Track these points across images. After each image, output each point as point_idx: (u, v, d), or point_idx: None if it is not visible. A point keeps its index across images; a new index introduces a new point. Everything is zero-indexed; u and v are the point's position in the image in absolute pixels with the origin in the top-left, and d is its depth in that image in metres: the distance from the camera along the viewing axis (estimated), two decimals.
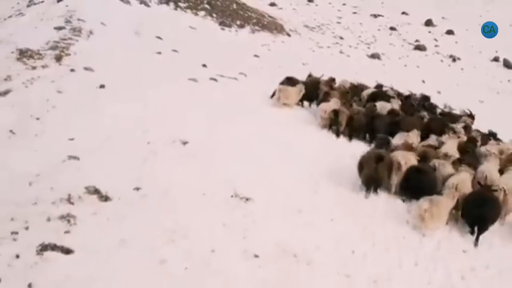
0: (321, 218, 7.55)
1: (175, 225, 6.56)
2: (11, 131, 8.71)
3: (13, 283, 5.31)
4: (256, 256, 6.23)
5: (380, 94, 14.20)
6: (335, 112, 11.85)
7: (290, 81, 13.62)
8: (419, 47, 30.90)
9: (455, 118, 13.48)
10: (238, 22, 26.51)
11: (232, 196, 7.52)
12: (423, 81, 23.55)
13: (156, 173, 7.78)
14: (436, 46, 31.89)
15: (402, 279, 6.44)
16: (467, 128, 12.57)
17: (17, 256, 5.69)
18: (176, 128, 9.56)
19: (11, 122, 8.98)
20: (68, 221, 6.38)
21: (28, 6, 21.74)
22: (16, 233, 6.07)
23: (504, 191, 8.53)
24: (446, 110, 15.34)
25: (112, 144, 8.51)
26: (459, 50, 31.26)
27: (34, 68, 11.56)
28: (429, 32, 34.67)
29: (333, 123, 11.82)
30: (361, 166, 8.92)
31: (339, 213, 7.86)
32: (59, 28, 14.84)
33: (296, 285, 5.86)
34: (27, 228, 6.15)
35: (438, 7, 40.68)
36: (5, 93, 10.12)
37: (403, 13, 39.09)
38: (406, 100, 14.27)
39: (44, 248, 5.83)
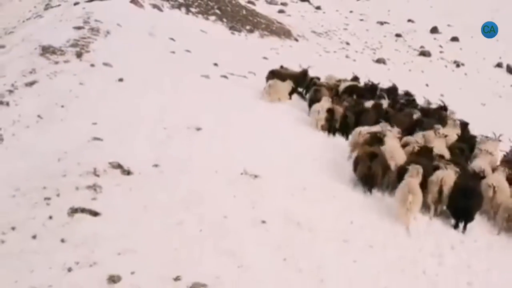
0: (323, 195, 8.22)
1: (190, 195, 7.25)
2: (39, 116, 9.47)
3: (47, 239, 6.02)
4: (264, 222, 6.91)
5: (355, 87, 14.33)
6: (330, 111, 11.88)
7: (277, 76, 14.11)
8: (424, 53, 31.55)
9: (442, 117, 13.48)
10: (247, 27, 27.33)
11: (242, 174, 8.22)
12: (427, 85, 24.18)
13: (173, 153, 8.49)
14: (441, 52, 32.52)
15: (396, 246, 7.09)
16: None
17: (50, 217, 6.41)
18: (190, 116, 10.28)
19: (38, 109, 9.74)
20: (95, 190, 7.10)
21: (45, 9, 22.63)
22: (49, 198, 6.79)
23: (494, 188, 8.78)
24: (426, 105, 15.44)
25: (132, 129, 9.24)
26: (464, 56, 31.88)
27: (56, 63, 12.35)
28: (434, 39, 35.33)
29: (329, 123, 11.82)
30: (356, 163, 9.08)
31: (340, 191, 8.52)
32: (78, 28, 15.66)
33: (299, 246, 6.52)
34: (58, 195, 6.87)
35: (443, 15, 41.35)
36: (31, 83, 10.91)
37: (409, 20, 39.78)
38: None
39: (74, 211, 6.54)
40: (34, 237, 6.03)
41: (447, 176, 8.48)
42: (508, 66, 29.21)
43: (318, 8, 42.92)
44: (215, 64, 16.11)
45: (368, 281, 6.17)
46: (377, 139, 9.71)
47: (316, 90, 13.26)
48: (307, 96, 13.94)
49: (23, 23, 21.09)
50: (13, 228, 6.15)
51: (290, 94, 14.00)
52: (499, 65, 29.96)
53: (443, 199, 8.41)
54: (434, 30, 36.08)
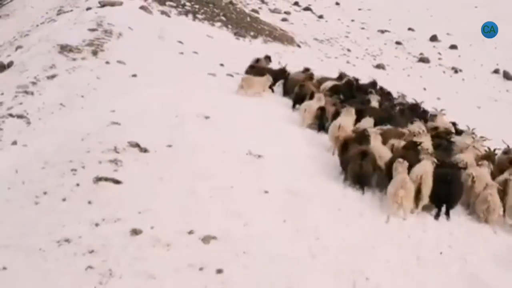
0: (321, 175, 9.05)
1: (201, 170, 8.10)
2: (61, 104, 10.38)
3: (76, 201, 6.88)
4: (266, 192, 7.76)
5: (339, 86, 14.41)
6: (322, 109, 11.84)
7: (256, 70, 14.74)
8: (423, 60, 32.42)
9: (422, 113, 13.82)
10: (251, 33, 28.27)
11: (247, 154, 9.07)
12: (424, 89, 25.03)
13: (184, 136, 9.35)
14: (439, 59, 33.39)
15: (384, 214, 7.90)
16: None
17: (77, 185, 7.28)
18: (199, 107, 11.15)
19: (60, 98, 10.67)
20: (116, 163, 7.96)
21: (58, 14, 23.59)
22: (75, 170, 7.67)
23: (473, 177, 8.87)
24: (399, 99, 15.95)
25: (146, 116, 10.12)
26: (462, 63, 32.73)
27: (74, 59, 13.29)
28: (434, 46, 36.22)
29: (319, 121, 11.76)
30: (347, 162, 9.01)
31: (337, 173, 9.33)
32: (92, 30, 16.61)
33: (297, 211, 7.35)
34: (83, 167, 7.74)
35: (443, 24, 42.26)
36: (52, 76, 11.85)
37: (409, 29, 40.68)
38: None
39: (98, 179, 7.40)
40: (64, 199, 6.89)
41: (426, 173, 8.35)
42: (504, 72, 30.05)
43: (320, 17, 43.90)
44: (221, 65, 17.01)
45: (358, 240, 6.98)
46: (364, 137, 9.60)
47: (302, 86, 13.54)
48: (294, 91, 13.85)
49: (37, 27, 22.06)
50: (45, 193, 7.01)
51: (271, 87, 14.34)
52: (496, 71, 30.80)
53: (423, 197, 8.29)
54: (433, 38, 36.99)
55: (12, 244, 5.95)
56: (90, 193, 7.06)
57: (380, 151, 9.29)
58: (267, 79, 13.93)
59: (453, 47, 35.99)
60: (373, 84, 15.29)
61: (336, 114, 11.51)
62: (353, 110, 11.13)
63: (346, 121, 10.66)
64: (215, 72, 15.27)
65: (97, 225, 6.36)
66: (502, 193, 8.81)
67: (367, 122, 10.85)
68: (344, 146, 9.32)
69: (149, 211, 6.71)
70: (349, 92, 13.97)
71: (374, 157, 8.91)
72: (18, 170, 7.67)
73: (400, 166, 8.26)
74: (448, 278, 6.65)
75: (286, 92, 14.68)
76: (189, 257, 5.88)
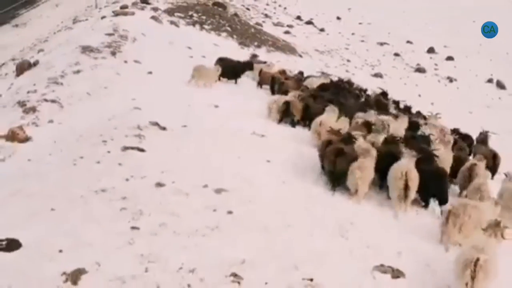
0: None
1: (213, 145, 9.47)
2: (87, 93, 11.74)
3: (108, 164, 8.17)
4: (268, 161, 9.08)
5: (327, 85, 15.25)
6: (287, 104, 12.21)
7: (224, 62, 15.87)
8: (420, 70, 33.78)
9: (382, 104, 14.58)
10: (255, 43, 29.74)
11: (251, 133, 10.40)
12: (419, 95, 26.35)
13: (197, 119, 10.70)
14: (435, 69, 34.73)
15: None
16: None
17: (108, 152, 8.59)
18: (209, 98, 12.51)
19: (86, 88, 12.03)
20: (139, 137, 9.28)
21: (74, 22, 25.12)
22: (105, 141, 8.99)
23: None
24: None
25: (163, 103, 11.48)
26: (457, 73, 34.06)
27: (96, 58, 14.68)
28: (431, 58, 37.59)
29: (285, 115, 12.17)
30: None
31: None
32: (109, 35, 18.04)
33: (295, 176, 8.65)
34: (112, 139, 9.06)
35: (441, 37, 43.67)
36: (78, 71, 13.24)
37: (408, 41, 42.09)
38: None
39: (126, 148, 8.72)
40: (98, 162, 8.20)
41: (409, 170, 8.30)
42: (498, 82, 31.36)
43: (322, 30, 45.41)
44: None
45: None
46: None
47: (282, 83, 14.53)
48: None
49: (55, 34, 23.57)
50: (81, 157, 8.33)
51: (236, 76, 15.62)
52: (490, 80, 32.11)
53: (410, 194, 8.28)
54: (431, 50, 38.43)
55: (57, 194, 7.22)
56: (119, 158, 8.37)
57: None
58: (217, 69, 14.80)
59: (450, 58, 37.37)
60: (350, 83, 16.45)
61: (306, 109, 12.20)
62: (336, 109, 11.60)
63: (328, 117, 11.04)
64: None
65: (127, 180, 7.65)
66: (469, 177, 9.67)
67: (343, 122, 11.25)
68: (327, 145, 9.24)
69: (170, 171, 8.01)
70: (336, 90, 14.91)
71: (350, 156, 8.68)
72: (56, 141, 9.00)
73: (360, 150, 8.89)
74: None
75: (260, 84, 16.34)
76: (204, 202, 7.17)
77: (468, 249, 5.64)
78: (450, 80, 32.70)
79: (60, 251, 5.90)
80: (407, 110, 16.17)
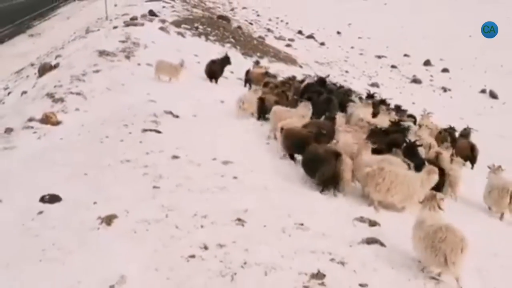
0: None
1: (219, 130, 10.75)
2: (107, 88, 13.09)
3: (130, 141, 9.51)
4: (268, 143, 10.37)
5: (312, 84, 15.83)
6: (262, 100, 12.50)
7: (214, 62, 17.03)
8: (415, 81, 35.14)
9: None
10: (258, 54, 31.18)
11: (253, 124, 11.72)
12: (413, 103, 27.62)
13: (205, 111, 12.07)
14: (431, 80, 36.09)
15: None
16: None
17: (130, 133, 9.93)
18: (215, 95, 13.86)
19: (106, 85, 13.38)
20: (156, 122, 10.63)
21: (86, 33, 26.59)
22: (127, 125, 10.33)
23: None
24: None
25: (175, 97, 12.82)
26: (451, 84, 35.41)
27: (112, 61, 16.07)
28: (426, 70, 38.98)
29: (260, 111, 12.44)
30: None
31: None
32: (123, 42, 19.48)
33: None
34: (132, 124, 10.39)
35: (438, 51, 45.06)
36: (97, 71, 14.61)
37: (405, 55, 43.51)
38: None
39: (145, 130, 10.07)
40: (121, 140, 9.53)
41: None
42: (490, 92, 32.65)
43: (322, 44, 46.87)
44: (231, 72, 19.77)
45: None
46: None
47: (266, 83, 15.07)
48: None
49: (69, 43, 25.02)
50: (106, 137, 9.66)
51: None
52: (483, 91, 33.40)
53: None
54: (427, 62, 39.83)
55: (88, 163, 8.54)
56: (140, 137, 9.71)
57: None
58: (180, 64, 15.49)
59: (445, 70, 38.75)
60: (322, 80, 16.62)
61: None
62: (309, 104, 11.87)
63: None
64: (227, 76, 18.04)
65: (147, 153, 8.97)
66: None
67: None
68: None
69: (183, 147, 9.33)
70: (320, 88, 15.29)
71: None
72: (83, 125, 10.34)
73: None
74: None
75: (247, 82, 17.08)
76: (214, 170, 8.48)
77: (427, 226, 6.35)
78: (445, 90, 34.03)
79: (95, 203, 7.20)
80: (397, 109, 17.40)
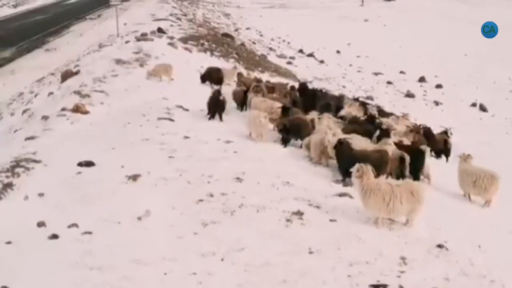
0: None
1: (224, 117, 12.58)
2: (125, 89, 15.00)
3: (148, 127, 11.37)
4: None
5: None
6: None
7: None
8: (409, 95, 36.91)
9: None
10: (259, 69, 33.18)
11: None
12: (406, 113, 29.46)
13: None
14: (424, 95, 37.90)
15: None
16: None
17: (148, 120, 11.79)
18: None
19: (124, 86, 15.30)
20: (169, 113, 12.50)
21: (100, 47, 28.65)
22: (145, 115, 12.20)
23: None
24: None
25: (184, 97, 14.65)
26: (444, 98, 37.21)
27: (127, 68, 18.05)
28: (421, 86, 40.79)
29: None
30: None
31: None
32: (136, 53, 21.47)
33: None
34: (149, 114, 12.25)
35: (433, 68, 46.92)
36: (115, 75, 16.56)
37: (401, 72, 45.34)
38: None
39: (160, 118, 11.94)
40: (141, 125, 11.42)
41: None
42: (480, 105, 34.37)
43: (321, 61, 48.86)
44: (235, 81, 21.72)
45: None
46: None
47: (256, 86, 15.84)
48: None
49: (84, 56, 27.06)
50: (128, 123, 11.53)
51: None
52: (473, 104, 35.05)
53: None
54: (421, 79, 41.58)
55: (114, 141, 10.39)
56: (156, 123, 11.58)
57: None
58: (170, 66, 17.51)
59: (439, 86, 40.52)
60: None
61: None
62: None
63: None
64: (231, 83, 19.96)
65: (163, 134, 10.82)
66: None
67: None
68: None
69: (193, 131, 11.19)
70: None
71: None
72: (108, 114, 12.22)
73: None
74: None
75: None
76: (218, 147, 10.35)
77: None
78: (436, 103, 35.75)
79: (122, 166, 9.03)
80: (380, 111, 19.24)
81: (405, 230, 7.71)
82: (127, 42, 26.80)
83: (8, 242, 6.73)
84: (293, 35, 59.42)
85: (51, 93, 15.94)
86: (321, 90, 18.61)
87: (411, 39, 61.69)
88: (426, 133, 14.86)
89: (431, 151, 14.55)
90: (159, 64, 17.82)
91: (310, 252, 6.63)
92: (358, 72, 45.72)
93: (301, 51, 54.99)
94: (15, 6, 55.73)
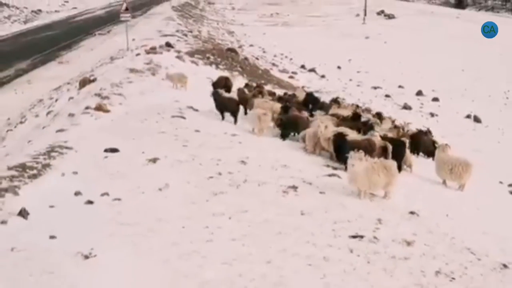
0: None
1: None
2: (140, 93, 16.52)
3: (163, 123, 12.82)
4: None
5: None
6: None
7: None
8: (406, 107, 38.38)
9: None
10: (262, 81, 34.80)
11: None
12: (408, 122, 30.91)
13: None
14: (420, 107, 39.40)
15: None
16: None
17: (162, 117, 13.26)
18: None
19: (139, 90, 16.82)
20: (181, 113, 13.97)
21: (111, 60, 30.30)
22: (159, 113, 13.64)
23: None
24: None
25: (194, 99, 16.14)
26: (440, 111, 38.68)
27: (141, 76, 19.62)
28: (418, 99, 42.32)
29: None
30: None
31: None
32: (147, 64, 23.06)
33: None
34: (164, 112, 13.72)
35: (431, 83, 48.45)
36: (130, 82, 18.10)
37: (400, 86, 46.88)
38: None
39: (173, 116, 13.40)
40: (156, 122, 12.89)
41: None
42: (475, 117, 35.80)
43: (322, 76, 50.45)
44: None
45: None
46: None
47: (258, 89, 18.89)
48: None
49: (97, 68, 28.68)
50: (145, 119, 13.00)
51: None
52: (468, 116, 36.48)
53: None
54: (419, 93, 43.07)
55: (133, 133, 11.82)
56: (170, 120, 13.07)
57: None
58: (183, 75, 19.41)
59: (435, 99, 42.01)
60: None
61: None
62: None
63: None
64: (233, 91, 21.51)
65: (176, 129, 12.28)
66: None
67: None
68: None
69: (202, 126, 12.67)
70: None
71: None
72: (127, 113, 13.70)
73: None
74: None
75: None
76: (225, 138, 11.86)
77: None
78: (432, 115, 37.19)
79: (143, 152, 10.47)
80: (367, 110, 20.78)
81: (384, 201, 9.14)
82: (137, 54, 28.43)
83: (51, 206, 8.14)
84: (296, 51, 61.30)
85: (71, 98, 17.46)
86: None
87: (411, 55, 63.37)
88: (418, 135, 16.37)
89: (422, 152, 16.05)
90: (176, 72, 19.39)
91: (302, 214, 8.04)
92: (357, 86, 47.31)
93: (303, 66, 56.65)
94: (25, 22, 57.91)
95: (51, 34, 46.09)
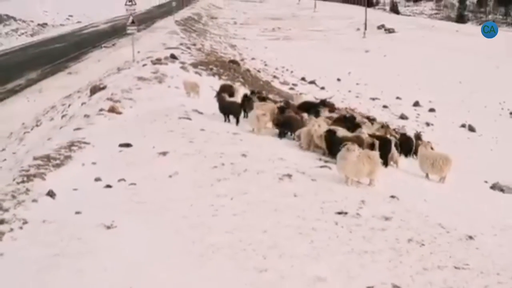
0: None
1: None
2: (149, 98, 17.74)
3: (170, 124, 13.99)
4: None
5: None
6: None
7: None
8: (402, 117, 39.56)
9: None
10: (264, 92, 36.12)
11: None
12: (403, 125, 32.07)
13: None
14: (417, 117, 40.58)
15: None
16: None
17: (170, 119, 14.43)
18: None
19: (147, 96, 18.04)
20: (187, 114, 15.15)
21: (118, 70, 31.61)
22: (167, 115, 14.85)
23: None
24: None
25: (199, 104, 17.34)
26: (436, 121, 39.83)
27: (148, 84, 20.86)
28: (415, 110, 43.51)
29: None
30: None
31: None
32: (153, 73, 24.30)
33: None
34: (171, 114, 14.90)
35: (428, 94, 49.65)
36: (138, 88, 19.34)
37: (397, 97, 48.10)
38: None
39: (180, 118, 14.58)
40: (165, 122, 14.07)
41: None
42: (469, 126, 36.96)
43: (322, 88, 51.67)
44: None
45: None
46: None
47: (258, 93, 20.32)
48: None
49: (105, 77, 29.97)
50: (154, 120, 14.18)
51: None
52: (463, 125, 37.62)
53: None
54: (416, 104, 44.27)
55: (145, 131, 12.99)
56: (177, 121, 14.25)
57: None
58: (196, 84, 20.54)
59: (432, 110, 43.19)
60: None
61: None
62: None
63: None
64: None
65: (183, 128, 13.46)
66: None
67: None
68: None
69: (207, 126, 13.84)
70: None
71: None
72: (138, 115, 14.90)
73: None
74: None
75: None
76: (227, 136, 13.02)
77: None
78: (428, 124, 38.37)
79: (153, 147, 11.64)
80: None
81: (368, 188, 10.29)
82: (144, 65, 29.72)
83: (75, 189, 9.30)
84: (296, 65, 62.80)
85: (83, 103, 18.69)
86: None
87: (409, 68, 64.64)
88: (409, 138, 17.47)
89: (414, 153, 17.16)
90: (189, 81, 20.58)
91: (295, 196, 9.19)
92: (356, 97, 48.54)
93: (303, 79, 57.98)
94: (32, 35, 59.64)
95: (58, 47, 47.61)
